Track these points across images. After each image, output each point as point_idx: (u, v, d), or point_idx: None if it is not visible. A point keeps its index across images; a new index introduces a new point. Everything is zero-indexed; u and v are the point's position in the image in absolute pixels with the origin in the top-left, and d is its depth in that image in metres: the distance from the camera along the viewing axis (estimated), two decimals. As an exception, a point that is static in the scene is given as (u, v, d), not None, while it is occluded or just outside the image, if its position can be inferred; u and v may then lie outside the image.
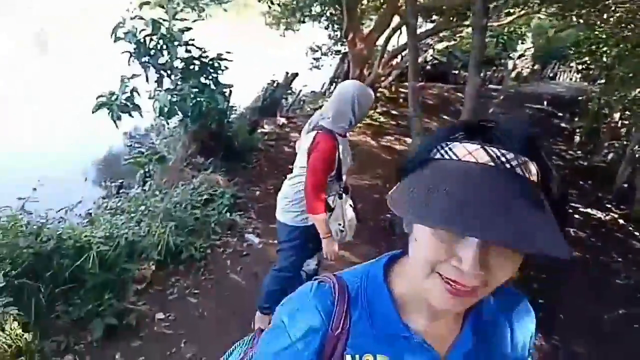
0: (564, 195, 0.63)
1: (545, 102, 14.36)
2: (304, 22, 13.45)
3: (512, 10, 10.12)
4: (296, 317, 0.74)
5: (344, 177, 2.64)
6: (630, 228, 6.88)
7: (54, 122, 8.79)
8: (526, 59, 21.21)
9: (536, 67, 20.89)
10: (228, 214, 4.61)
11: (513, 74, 19.40)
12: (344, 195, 2.69)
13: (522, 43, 19.42)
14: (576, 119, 12.39)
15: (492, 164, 0.59)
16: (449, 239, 0.60)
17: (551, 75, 21.29)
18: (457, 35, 13.86)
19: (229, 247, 4.28)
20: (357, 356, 0.72)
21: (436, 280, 0.62)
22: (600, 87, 9.94)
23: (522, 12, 10.33)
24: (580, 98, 13.80)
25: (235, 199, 4.97)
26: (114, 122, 5.22)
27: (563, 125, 12.51)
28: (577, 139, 11.02)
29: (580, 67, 13.42)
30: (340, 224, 2.67)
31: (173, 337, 3.15)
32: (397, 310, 0.74)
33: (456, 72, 17.15)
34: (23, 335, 2.60)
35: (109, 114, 5.13)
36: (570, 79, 20.50)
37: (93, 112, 5.12)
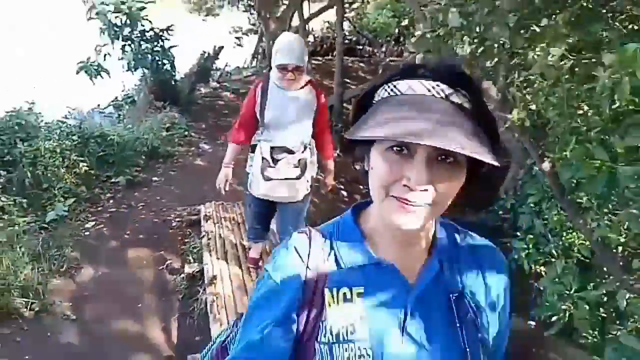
0: (492, 119, 0.72)
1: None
2: (222, 6, 15.53)
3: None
4: (277, 261, 0.82)
5: (269, 125, 2.66)
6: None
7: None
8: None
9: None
10: (186, 133, 6.80)
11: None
12: (259, 144, 2.70)
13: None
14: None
15: (429, 94, 0.67)
16: (397, 160, 0.67)
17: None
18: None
19: (189, 151, 6.50)
20: (334, 289, 0.78)
21: (391, 201, 0.69)
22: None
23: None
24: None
25: (188, 127, 7.15)
26: (91, 80, 7.17)
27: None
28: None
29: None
30: (251, 167, 2.76)
31: (164, 188, 5.37)
32: (366, 243, 0.80)
33: (361, 47, 19.83)
34: (87, 172, 4.71)
35: (87, 74, 7.07)
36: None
37: (77, 73, 7.03)
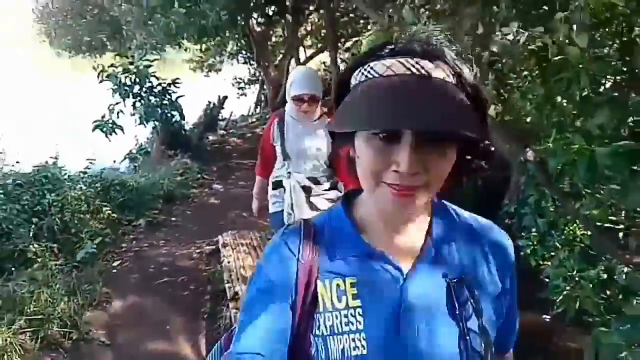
0: (478, 92, 0.69)
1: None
2: (222, 62, 16.38)
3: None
4: (269, 256, 0.81)
5: (291, 157, 2.64)
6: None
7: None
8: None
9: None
10: (199, 176, 7.17)
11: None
12: (291, 176, 2.64)
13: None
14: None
15: (409, 72, 0.64)
16: (384, 147, 0.65)
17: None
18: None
19: (203, 192, 6.84)
20: (327, 281, 0.76)
21: (382, 188, 0.67)
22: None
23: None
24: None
25: (201, 171, 7.53)
26: (107, 137, 7.63)
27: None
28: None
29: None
30: (288, 206, 2.65)
31: (182, 226, 5.67)
32: (359, 233, 0.78)
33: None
34: (111, 216, 5.03)
35: (102, 131, 7.53)
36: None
37: (93, 131, 7.50)
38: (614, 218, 3.11)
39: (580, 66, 2.15)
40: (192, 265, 4.50)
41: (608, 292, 3.09)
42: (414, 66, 0.64)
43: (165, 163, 7.57)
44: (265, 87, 14.83)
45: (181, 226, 5.62)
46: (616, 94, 2.37)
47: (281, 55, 14.74)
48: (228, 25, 8.23)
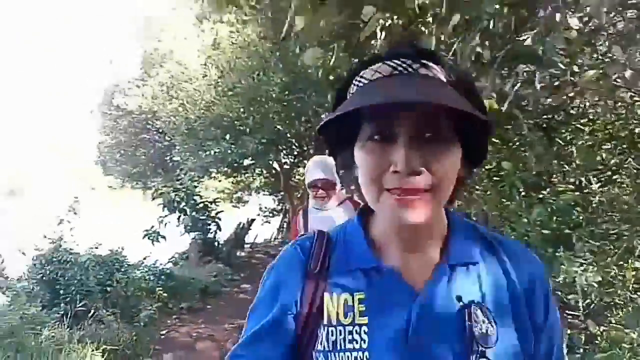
0: (470, 86, 0.69)
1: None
2: (250, 194, 18.24)
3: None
4: (281, 260, 0.81)
5: None
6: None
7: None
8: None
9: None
10: (229, 277, 8.25)
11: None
12: None
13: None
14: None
15: (396, 72, 0.65)
16: (381, 148, 0.65)
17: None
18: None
19: (233, 290, 7.86)
20: (334, 294, 0.73)
21: (386, 195, 0.65)
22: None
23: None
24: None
25: (232, 274, 8.60)
26: (153, 243, 8.91)
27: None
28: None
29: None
30: None
31: (217, 311, 6.59)
32: (371, 247, 0.75)
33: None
34: (161, 296, 6.06)
35: (149, 239, 8.84)
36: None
37: (142, 238, 8.82)
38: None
39: (514, 177, 3.43)
40: (227, 334, 5.40)
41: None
42: (400, 65, 0.66)
43: (202, 266, 8.71)
44: (288, 215, 16.34)
45: (216, 312, 6.57)
46: (540, 197, 3.61)
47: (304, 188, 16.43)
48: (261, 158, 9.93)
